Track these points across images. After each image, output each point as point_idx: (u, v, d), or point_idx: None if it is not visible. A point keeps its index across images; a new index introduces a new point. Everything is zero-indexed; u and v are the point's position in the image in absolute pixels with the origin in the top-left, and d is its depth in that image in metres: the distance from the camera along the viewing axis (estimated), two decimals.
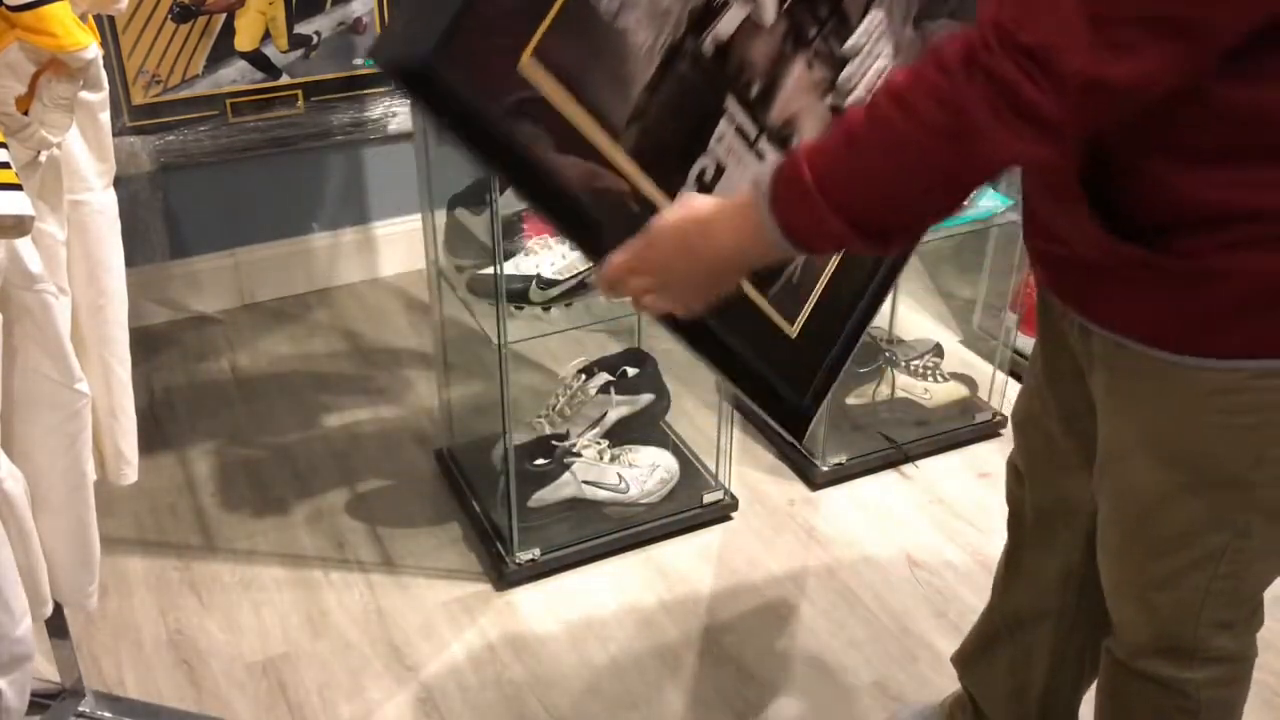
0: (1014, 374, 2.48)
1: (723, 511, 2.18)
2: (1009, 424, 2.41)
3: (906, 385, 2.38)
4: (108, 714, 1.75)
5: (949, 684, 1.71)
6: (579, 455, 2.09)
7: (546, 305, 1.94)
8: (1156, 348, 1.08)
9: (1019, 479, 1.47)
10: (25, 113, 1.22)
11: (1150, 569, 1.21)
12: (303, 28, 2.59)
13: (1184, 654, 1.24)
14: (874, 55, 1.41)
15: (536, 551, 2.02)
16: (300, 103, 2.66)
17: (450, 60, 1.06)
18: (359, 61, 2.67)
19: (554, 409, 2.20)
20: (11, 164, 1.13)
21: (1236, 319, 1.04)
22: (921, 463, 2.34)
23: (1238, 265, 1.01)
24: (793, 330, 1.42)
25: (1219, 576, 1.18)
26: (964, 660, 1.64)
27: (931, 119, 0.91)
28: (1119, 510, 1.22)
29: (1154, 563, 1.20)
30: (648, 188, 1.20)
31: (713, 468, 2.20)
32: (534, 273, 1.92)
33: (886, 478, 2.30)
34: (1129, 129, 0.99)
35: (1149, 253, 1.04)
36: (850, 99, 1.37)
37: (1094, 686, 1.56)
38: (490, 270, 1.91)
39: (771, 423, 1.40)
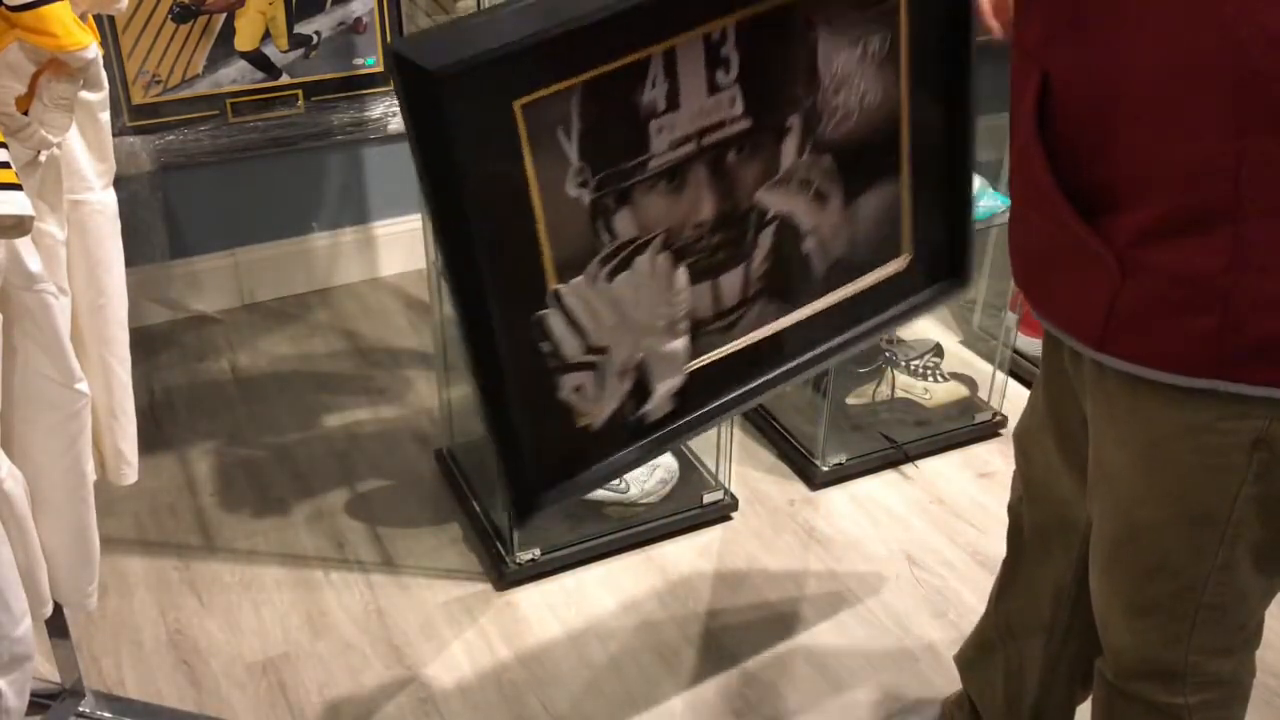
0: (1014, 374, 2.48)
1: (723, 511, 2.18)
2: (1009, 425, 2.41)
3: (906, 385, 2.38)
4: (108, 714, 1.75)
5: (949, 684, 1.71)
6: None
7: None
8: (1080, 340, 1.09)
9: (1015, 490, 1.47)
10: (25, 113, 1.22)
11: (1135, 594, 1.21)
12: (303, 28, 2.59)
13: (1174, 679, 1.23)
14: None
15: (536, 551, 2.02)
16: (300, 103, 2.66)
17: (459, 80, 1.21)
18: (359, 61, 2.68)
19: None
20: (11, 164, 1.13)
21: (1147, 320, 1.04)
22: (921, 463, 2.34)
23: (1149, 259, 1.01)
24: (596, 421, 1.48)
25: (1205, 606, 1.17)
26: (964, 663, 1.64)
27: None
28: (1106, 533, 1.22)
29: (1139, 589, 1.20)
30: (549, 266, 1.37)
31: (713, 468, 2.20)
32: None
33: (886, 478, 2.30)
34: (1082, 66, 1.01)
35: (1082, 227, 1.04)
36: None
37: (1088, 704, 1.56)
38: None
39: (502, 478, 1.44)
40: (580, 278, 1.42)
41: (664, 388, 1.53)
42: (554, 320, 1.42)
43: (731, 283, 1.53)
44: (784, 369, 1.61)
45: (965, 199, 1.64)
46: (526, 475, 1.49)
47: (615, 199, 1.43)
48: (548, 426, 1.49)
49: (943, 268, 1.67)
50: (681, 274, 1.49)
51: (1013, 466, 1.49)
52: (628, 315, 1.48)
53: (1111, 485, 1.18)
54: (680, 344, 1.53)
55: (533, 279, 1.39)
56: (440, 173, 1.29)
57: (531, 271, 1.39)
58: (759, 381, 1.59)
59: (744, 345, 1.57)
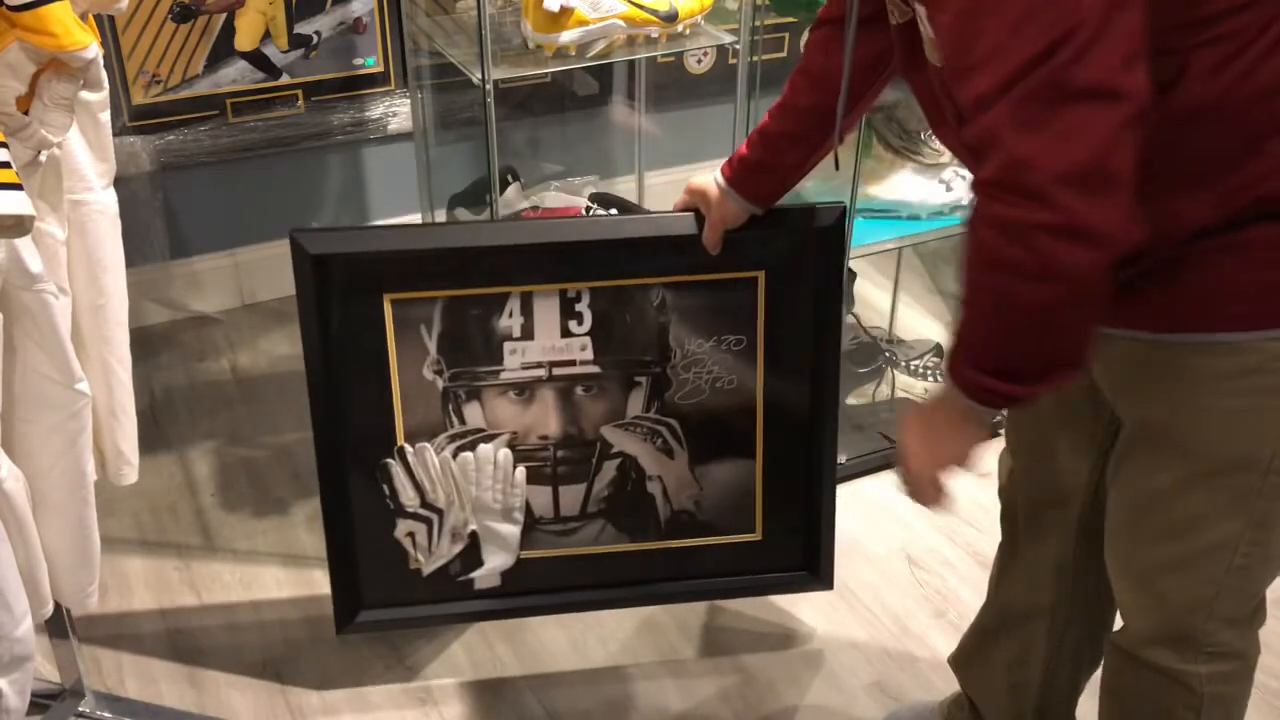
0: None
1: None
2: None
3: (906, 385, 2.39)
4: (108, 714, 1.75)
5: (948, 684, 1.71)
6: None
7: None
8: (1165, 332, 1.10)
9: (1008, 473, 1.48)
10: (25, 112, 1.22)
11: (1162, 553, 1.21)
12: (303, 28, 2.59)
13: (1189, 645, 1.24)
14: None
15: None
16: (300, 103, 2.66)
17: (330, 264, 1.62)
18: (359, 61, 2.68)
19: None
20: (11, 164, 1.13)
21: (1209, 291, 1.06)
22: None
23: (1205, 244, 1.04)
24: (426, 568, 1.75)
25: (1233, 569, 1.17)
26: (961, 660, 1.64)
27: (993, 285, 1.01)
28: (1136, 495, 1.22)
29: (1166, 547, 1.20)
30: (399, 425, 1.67)
31: None
32: None
33: (886, 478, 2.30)
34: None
35: (1133, 268, 1.06)
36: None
37: (1094, 686, 1.56)
38: None
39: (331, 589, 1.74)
40: (426, 444, 1.69)
41: (494, 562, 1.75)
42: (395, 471, 1.70)
43: (571, 496, 1.75)
44: (619, 591, 1.82)
45: (821, 506, 1.79)
46: (354, 592, 1.72)
47: (466, 393, 1.68)
48: (380, 558, 1.73)
49: (799, 559, 1.84)
50: (521, 472, 1.72)
51: None
52: (465, 489, 1.71)
53: (1151, 444, 1.18)
54: (514, 530, 1.74)
55: (384, 433, 1.68)
56: (315, 332, 1.62)
57: (384, 426, 1.67)
58: (594, 595, 1.82)
59: (579, 554, 1.79)
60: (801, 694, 1.82)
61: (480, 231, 1.64)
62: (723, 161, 1.54)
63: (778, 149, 1.45)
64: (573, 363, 1.68)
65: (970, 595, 2.00)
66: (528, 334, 1.65)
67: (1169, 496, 1.17)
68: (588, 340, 1.67)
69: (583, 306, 1.65)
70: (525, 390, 1.69)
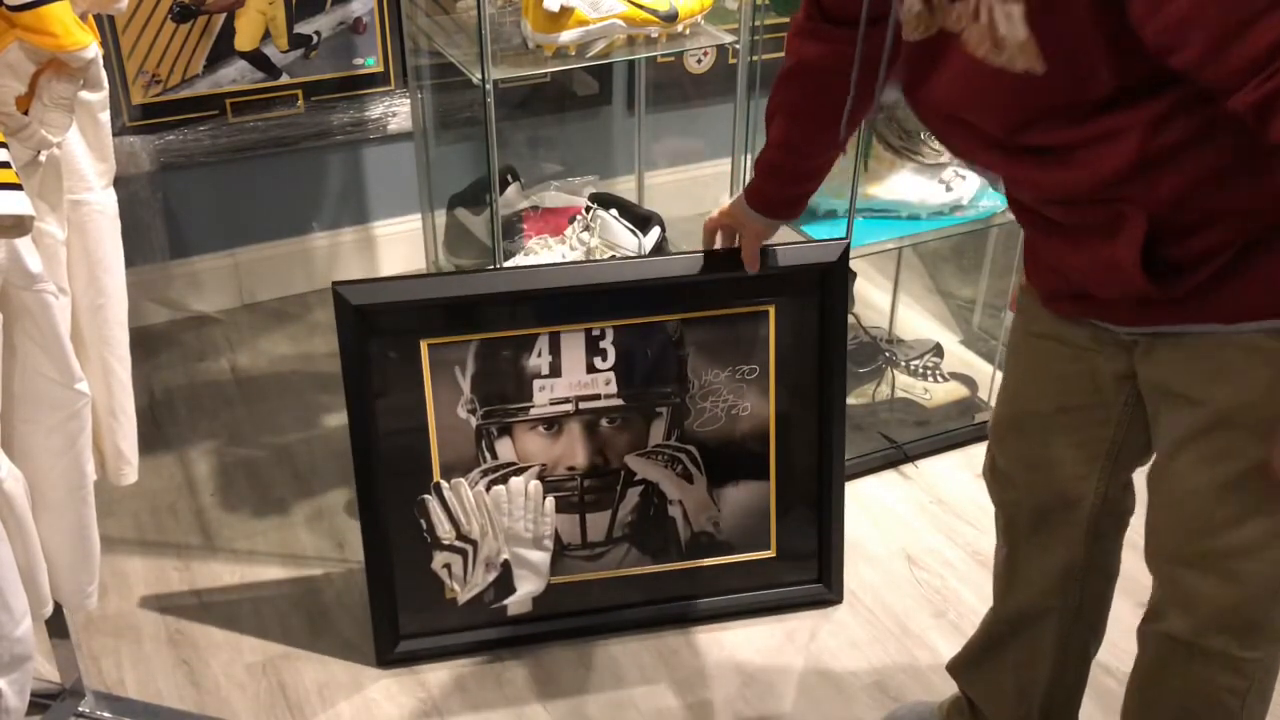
0: None
1: None
2: None
3: (906, 385, 2.38)
4: (108, 714, 1.75)
5: (948, 684, 1.71)
6: None
7: None
8: (1245, 321, 1.10)
9: (1006, 484, 1.46)
10: (25, 112, 1.22)
11: (1235, 536, 1.19)
12: (303, 28, 2.59)
13: (1253, 630, 1.23)
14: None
15: None
16: (300, 103, 2.66)
17: (371, 315, 1.65)
18: (359, 61, 2.68)
19: None
20: (11, 164, 1.13)
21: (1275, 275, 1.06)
22: (921, 463, 2.34)
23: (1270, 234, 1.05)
24: (461, 597, 1.82)
25: None
26: (964, 665, 1.63)
27: None
28: (1209, 483, 1.19)
29: (1239, 529, 1.18)
30: (435, 462, 1.76)
31: None
32: None
33: (886, 478, 2.30)
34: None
35: (1182, 276, 1.07)
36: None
37: (1092, 684, 1.55)
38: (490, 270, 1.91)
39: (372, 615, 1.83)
40: (461, 479, 1.77)
41: (525, 589, 1.83)
42: (432, 505, 1.77)
43: (598, 522, 1.84)
44: (643, 611, 1.89)
45: (831, 522, 1.90)
46: (393, 624, 1.81)
47: (498, 429, 1.77)
48: (418, 590, 1.81)
49: (811, 573, 1.94)
50: (550, 502, 1.80)
51: None
52: (497, 520, 1.79)
53: (1224, 429, 1.16)
54: (544, 557, 1.81)
55: (421, 470, 1.76)
56: (357, 376, 1.67)
57: (421, 464, 1.75)
58: (620, 616, 1.89)
59: (606, 577, 1.87)
60: (801, 694, 1.82)
61: (511, 278, 1.73)
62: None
63: (787, 179, 1.55)
64: (598, 397, 1.78)
65: (970, 595, 2.00)
66: (556, 371, 1.75)
67: (1244, 477, 1.15)
68: (612, 375, 1.77)
69: (607, 343, 1.75)
70: (554, 424, 1.78)
